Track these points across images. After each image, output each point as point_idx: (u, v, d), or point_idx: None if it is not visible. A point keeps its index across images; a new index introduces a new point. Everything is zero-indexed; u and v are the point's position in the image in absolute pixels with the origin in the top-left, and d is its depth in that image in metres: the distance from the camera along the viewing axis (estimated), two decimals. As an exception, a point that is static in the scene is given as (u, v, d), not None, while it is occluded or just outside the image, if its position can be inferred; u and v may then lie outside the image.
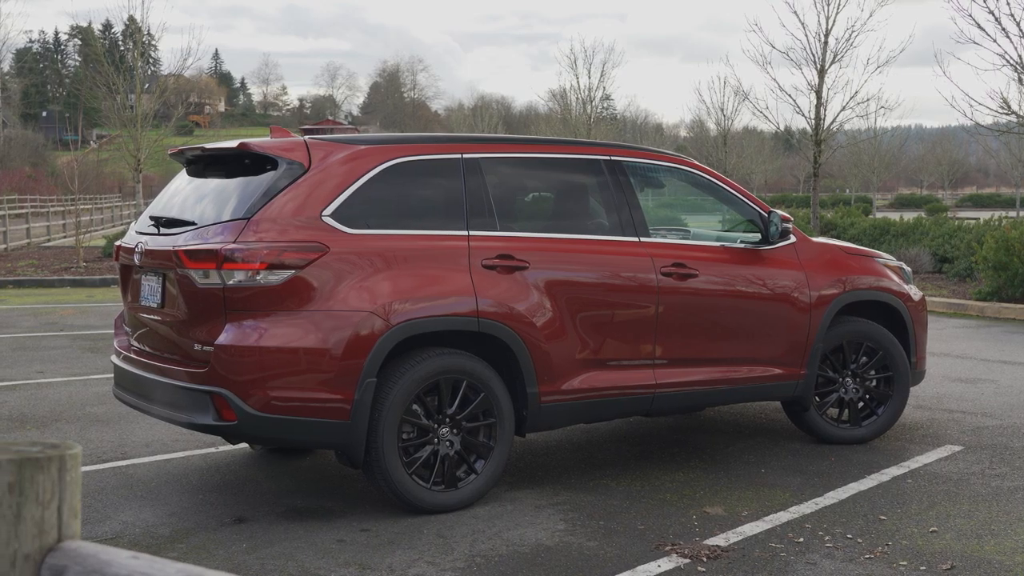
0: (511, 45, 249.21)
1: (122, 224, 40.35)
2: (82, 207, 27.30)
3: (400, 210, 5.56)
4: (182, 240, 5.36)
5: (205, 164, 5.93)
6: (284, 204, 5.25)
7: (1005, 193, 76.68)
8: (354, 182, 5.41)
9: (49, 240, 30.95)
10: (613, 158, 6.33)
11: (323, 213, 5.28)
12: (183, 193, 5.89)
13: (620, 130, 58.79)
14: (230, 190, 5.50)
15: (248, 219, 5.18)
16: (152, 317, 5.65)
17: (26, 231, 29.99)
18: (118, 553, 1.57)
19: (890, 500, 5.75)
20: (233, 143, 5.59)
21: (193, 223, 5.46)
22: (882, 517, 5.44)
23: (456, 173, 5.73)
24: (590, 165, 6.27)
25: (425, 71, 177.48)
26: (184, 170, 6.11)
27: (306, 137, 5.61)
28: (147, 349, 5.74)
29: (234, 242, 5.11)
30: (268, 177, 5.37)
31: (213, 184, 5.71)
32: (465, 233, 5.60)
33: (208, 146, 5.81)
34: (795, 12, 24.13)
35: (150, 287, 5.65)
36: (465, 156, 5.80)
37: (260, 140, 5.58)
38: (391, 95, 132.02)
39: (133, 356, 5.82)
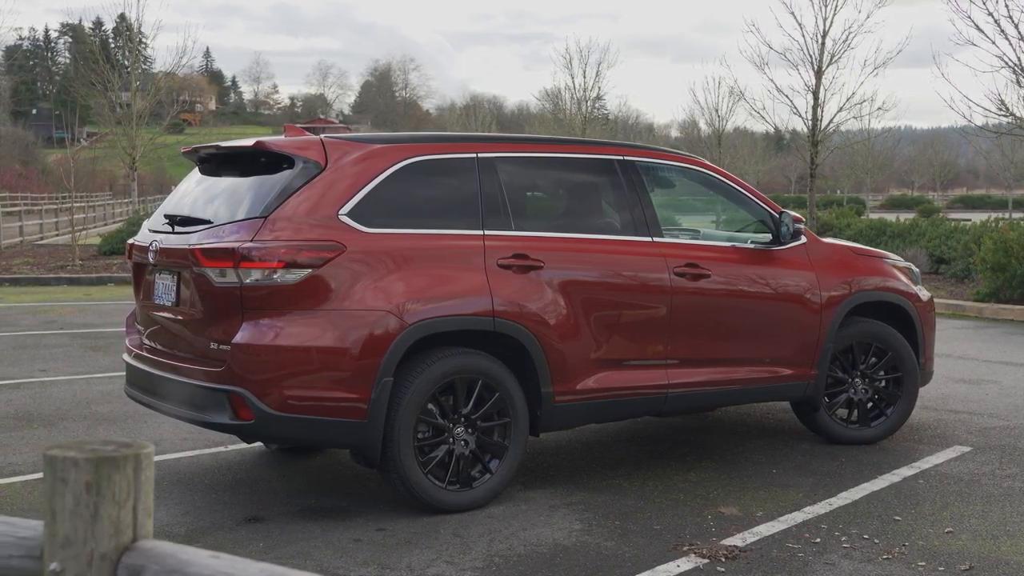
0: (503, 45, 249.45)
1: (115, 223, 40.18)
2: (76, 205, 27.18)
3: (416, 209, 5.55)
4: (197, 239, 5.34)
5: (219, 163, 5.92)
6: (300, 203, 5.23)
7: (995, 194, 76.91)
8: (370, 181, 5.40)
9: (42, 238, 30.82)
10: (626, 158, 6.33)
11: (340, 212, 5.27)
12: (197, 191, 5.87)
13: (612, 130, 58.80)
14: (245, 189, 5.48)
15: (265, 218, 5.17)
16: (166, 315, 5.63)
17: (19, 229, 29.86)
18: (197, 553, 1.57)
19: (903, 501, 5.77)
20: (249, 142, 5.57)
21: (208, 221, 5.44)
22: (897, 518, 5.45)
23: (471, 172, 5.72)
24: (603, 165, 6.27)
25: (417, 70, 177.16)
26: (196, 168, 6.09)
27: (322, 136, 5.59)
28: (160, 348, 5.72)
29: (251, 241, 5.10)
30: (284, 176, 5.35)
31: (227, 183, 5.69)
32: (480, 232, 5.60)
33: (223, 144, 5.80)
34: (792, 13, 24.20)
35: (164, 285, 5.63)
36: (480, 155, 5.79)
37: (276, 139, 5.57)
38: (383, 94, 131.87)
39: (146, 355, 5.80)
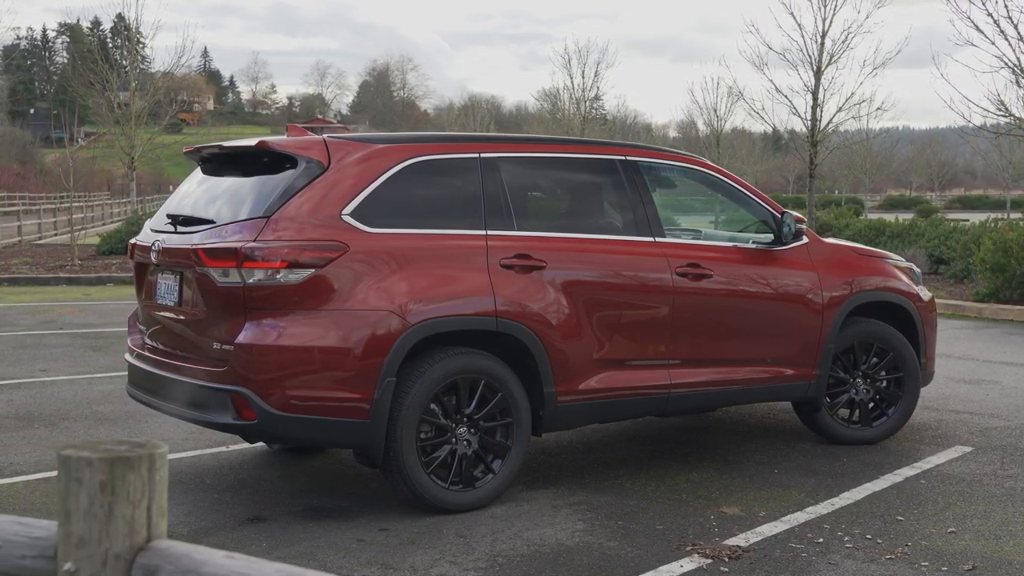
0: (501, 45, 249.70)
1: (114, 222, 40.15)
2: (74, 205, 27.15)
3: (419, 209, 5.54)
4: (200, 238, 5.33)
5: (221, 162, 5.92)
6: (303, 203, 5.23)
7: (993, 195, 76.95)
8: (373, 181, 5.40)
9: (41, 238, 30.79)
10: (628, 158, 6.33)
11: (343, 212, 5.27)
12: (199, 191, 5.86)
13: (611, 130, 58.82)
14: (248, 188, 5.47)
15: (268, 217, 5.16)
16: (168, 315, 5.63)
17: (18, 229, 29.84)
18: (212, 553, 1.57)
19: (905, 501, 5.77)
20: (251, 141, 5.57)
21: (211, 221, 5.44)
22: (899, 518, 5.45)
23: (474, 172, 5.72)
24: (606, 165, 6.27)
25: (415, 70, 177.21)
26: (199, 168, 6.09)
27: (325, 136, 5.59)
28: (163, 347, 5.72)
29: (254, 240, 5.09)
30: (287, 176, 5.35)
31: (230, 182, 5.69)
32: (483, 232, 5.59)
33: (225, 144, 5.80)
34: (791, 13, 24.20)
35: (167, 285, 5.63)
36: (483, 155, 5.79)
37: (279, 138, 5.57)
38: (381, 94, 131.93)
39: (148, 354, 5.80)
